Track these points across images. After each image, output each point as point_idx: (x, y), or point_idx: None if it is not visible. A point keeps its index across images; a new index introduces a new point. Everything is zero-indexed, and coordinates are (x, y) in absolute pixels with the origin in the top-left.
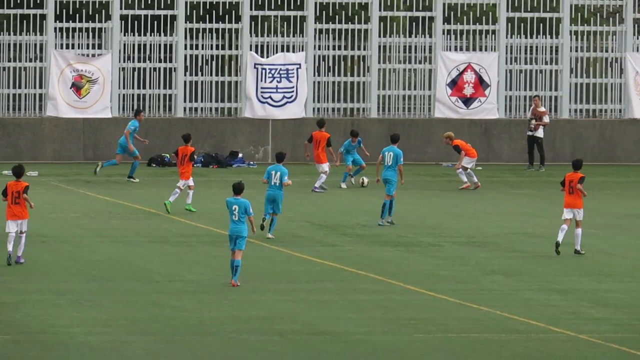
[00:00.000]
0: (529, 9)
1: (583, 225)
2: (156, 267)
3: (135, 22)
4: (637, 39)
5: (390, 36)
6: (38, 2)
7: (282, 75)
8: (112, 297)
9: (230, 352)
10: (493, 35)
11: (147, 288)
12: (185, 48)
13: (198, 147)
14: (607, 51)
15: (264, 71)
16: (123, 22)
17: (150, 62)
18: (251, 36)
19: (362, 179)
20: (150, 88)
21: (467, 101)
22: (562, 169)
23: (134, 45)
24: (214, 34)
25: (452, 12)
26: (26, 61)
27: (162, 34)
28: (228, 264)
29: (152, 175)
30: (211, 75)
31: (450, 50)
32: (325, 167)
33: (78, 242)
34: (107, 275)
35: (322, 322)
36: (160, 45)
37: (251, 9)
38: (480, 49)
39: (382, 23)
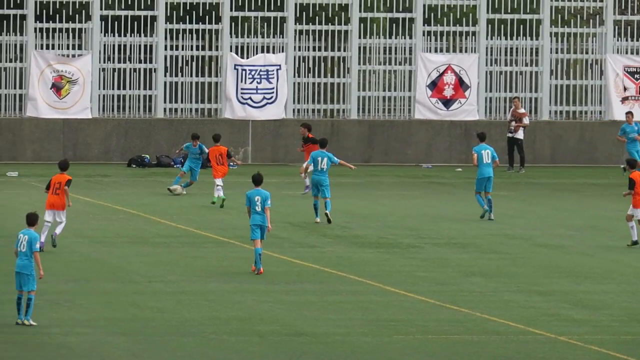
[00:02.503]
0: (509, 11)
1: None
2: (135, 267)
3: (116, 22)
4: (617, 40)
5: (370, 37)
6: (18, 2)
7: (262, 76)
8: (91, 297)
9: (210, 353)
10: (473, 37)
11: (126, 289)
12: (166, 49)
13: (178, 148)
14: (587, 53)
15: (244, 72)
16: (103, 22)
17: (130, 62)
18: (231, 37)
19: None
20: (130, 89)
21: (447, 102)
22: (542, 170)
23: (114, 45)
24: (194, 35)
25: (432, 14)
26: (6, 62)
27: (142, 34)
28: (207, 264)
29: (131, 176)
30: (191, 76)
31: (430, 51)
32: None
33: (57, 243)
34: (86, 276)
35: (301, 323)
36: (140, 45)
37: (231, 10)
38: (461, 51)
39: (362, 24)
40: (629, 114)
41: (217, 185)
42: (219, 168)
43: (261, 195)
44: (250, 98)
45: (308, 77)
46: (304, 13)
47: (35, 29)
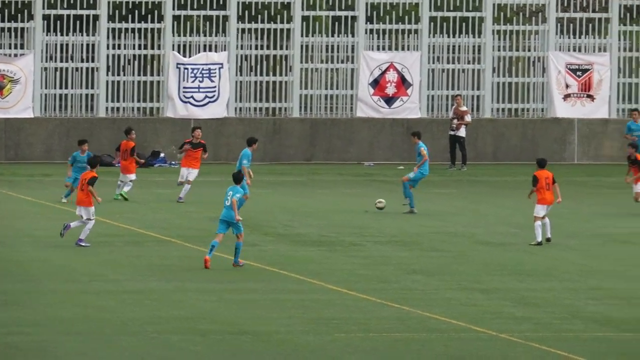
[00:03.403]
0: (451, 8)
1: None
2: (79, 267)
3: (58, 21)
4: (560, 38)
5: (312, 35)
6: None
7: (205, 75)
8: (37, 297)
9: (152, 351)
10: (416, 35)
11: (71, 288)
12: (108, 48)
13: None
14: (529, 50)
15: (186, 71)
16: (45, 21)
17: (73, 61)
18: (173, 36)
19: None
20: (72, 88)
21: (390, 100)
22: (484, 168)
23: (56, 45)
24: (137, 34)
25: (374, 12)
26: None
27: (85, 33)
28: (149, 263)
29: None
30: (133, 75)
31: (372, 49)
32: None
33: (2, 243)
34: (31, 276)
35: (243, 322)
36: (82, 45)
37: (173, 9)
38: (403, 48)
39: (304, 22)
40: (635, 111)
41: (120, 182)
42: (123, 164)
43: (233, 191)
44: (192, 97)
45: (250, 75)
46: (247, 11)
47: None
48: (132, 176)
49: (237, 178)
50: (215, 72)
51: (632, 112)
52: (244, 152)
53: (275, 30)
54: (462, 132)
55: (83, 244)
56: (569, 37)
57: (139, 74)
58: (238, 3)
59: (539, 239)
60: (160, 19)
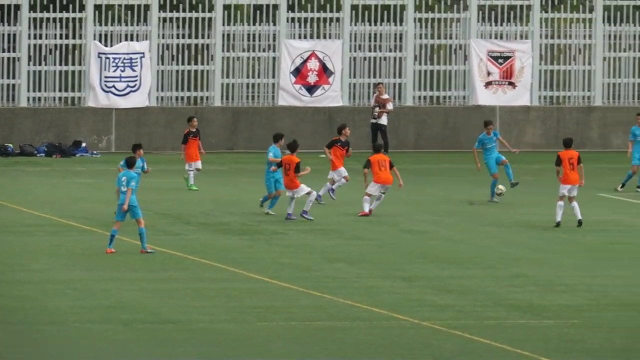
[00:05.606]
0: None
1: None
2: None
3: None
4: (481, 25)
5: (234, 24)
6: None
7: (126, 64)
8: None
9: (74, 341)
10: (337, 23)
11: None
12: (29, 37)
13: (42, 136)
14: (451, 38)
15: (107, 60)
16: None
17: None
18: (95, 25)
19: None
20: None
21: (311, 89)
22: (406, 156)
23: None
24: (58, 23)
25: (296, 0)
26: None
27: (6, 23)
28: (70, 252)
29: None
30: (55, 64)
31: (294, 38)
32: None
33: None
34: None
35: (165, 311)
36: (3, 34)
37: None
38: (325, 37)
39: (226, 11)
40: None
41: (189, 171)
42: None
43: (127, 176)
44: (113, 86)
45: (172, 64)
46: (168, 0)
47: None
48: (199, 164)
49: (130, 162)
50: (136, 62)
51: (637, 115)
52: None
53: (196, 19)
54: (383, 120)
55: (307, 217)
56: (490, 25)
57: (60, 64)
58: None
59: (558, 219)
60: (82, 8)
